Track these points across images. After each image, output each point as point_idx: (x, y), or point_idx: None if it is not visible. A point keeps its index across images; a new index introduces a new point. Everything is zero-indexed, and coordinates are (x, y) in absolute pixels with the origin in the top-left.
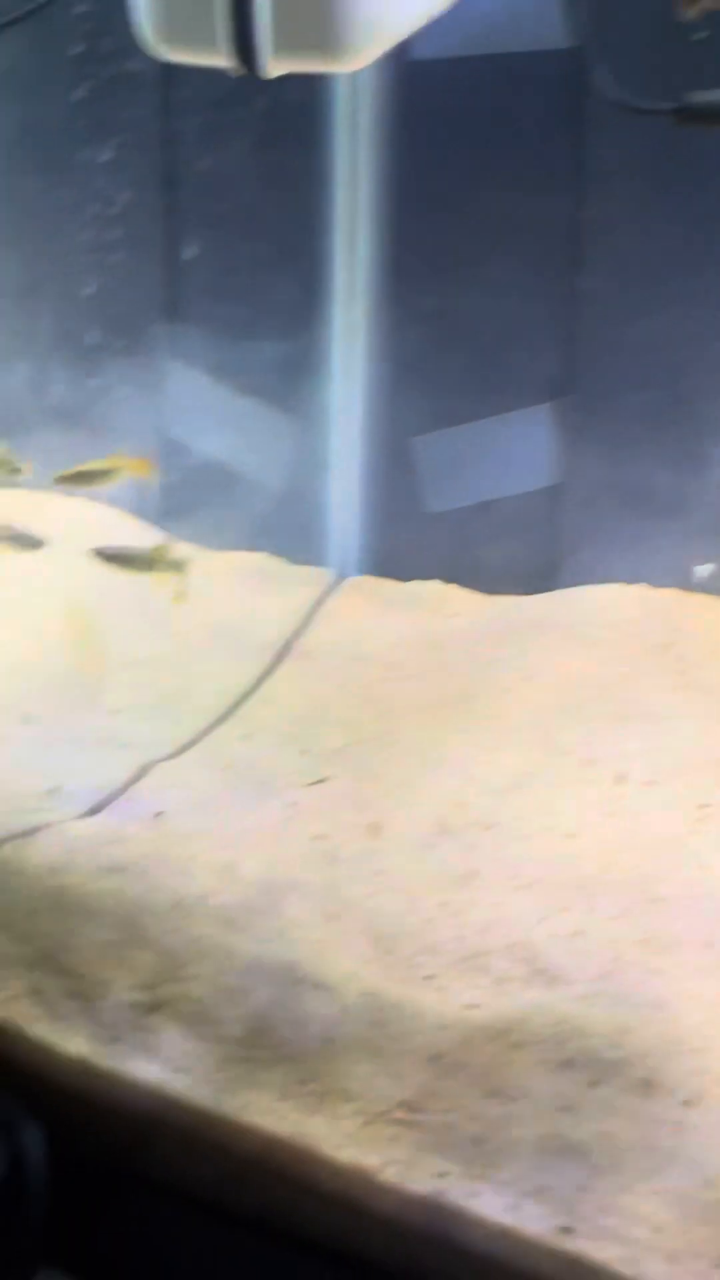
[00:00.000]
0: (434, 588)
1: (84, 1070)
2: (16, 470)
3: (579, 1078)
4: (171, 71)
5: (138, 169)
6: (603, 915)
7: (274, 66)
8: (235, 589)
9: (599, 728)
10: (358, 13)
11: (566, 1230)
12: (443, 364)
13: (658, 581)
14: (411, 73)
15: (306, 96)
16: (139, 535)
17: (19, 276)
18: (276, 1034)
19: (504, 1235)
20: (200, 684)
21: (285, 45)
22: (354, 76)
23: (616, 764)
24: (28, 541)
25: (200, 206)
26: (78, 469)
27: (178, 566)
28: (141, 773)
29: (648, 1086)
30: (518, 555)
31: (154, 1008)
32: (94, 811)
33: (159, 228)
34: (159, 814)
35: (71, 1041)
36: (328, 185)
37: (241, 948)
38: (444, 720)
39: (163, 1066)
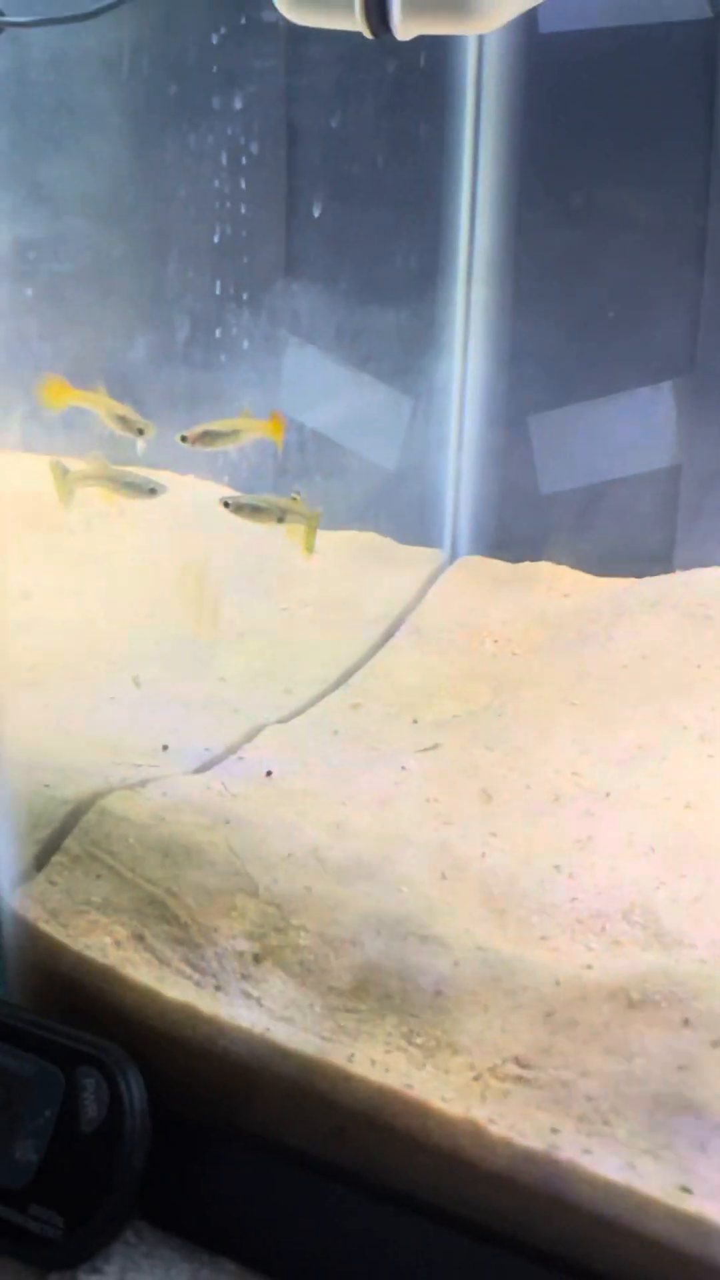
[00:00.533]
0: (546, 568)
1: (187, 1017)
2: (141, 431)
3: (699, 1038)
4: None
5: (266, 121)
6: None
7: (406, 28)
8: (345, 566)
9: (719, 705)
10: None
11: (685, 1190)
12: (562, 341)
13: None
14: (540, 45)
15: (435, 64)
16: None
17: (148, 221)
18: (385, 986)
19: (619, 1193)
20: (310, 655)
21: (417, 5)
22: (481, 47)
23: None
24: (143, 488)
25: (325, 165)
26: (204, 427)
27: (310, 519)
28: (251, 735)
29: None
30: (633, 537)
31: (260, 957)
32: (203, 769)
33: (283, 183)
34: (269, 773)
35: (175, 988)
36: (452, 154)
37: (351, 901)
38: (558, 695)
39: (267, 1015)
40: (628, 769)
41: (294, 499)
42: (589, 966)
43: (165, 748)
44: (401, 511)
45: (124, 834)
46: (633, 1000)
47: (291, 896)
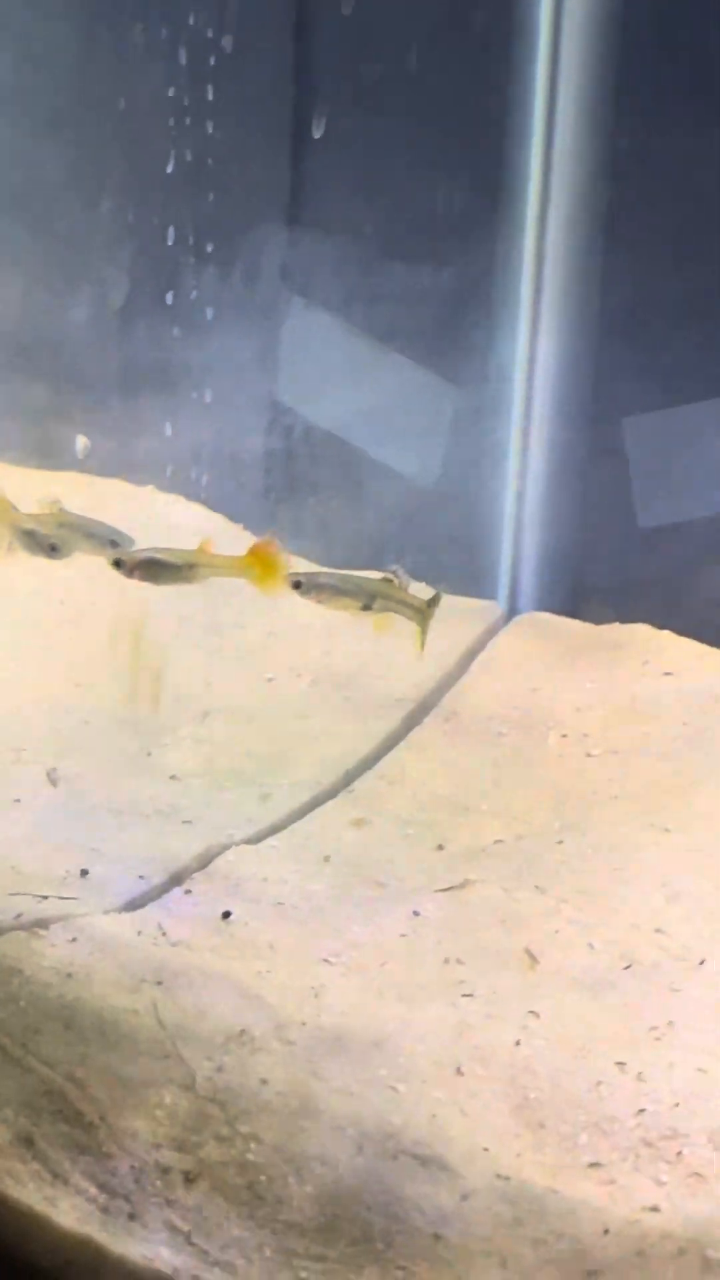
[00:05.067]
0: (641, 633)
1: (86, 1255)
2: (53, 547)
3: None
4: None
5: (250, 7)
6: None
7: None
8: (357, 623)
9: None
10: None
11: None
12: (673, 313)
13: None
14: None
15: None
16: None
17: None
18: (365, 1224)
19: None
20: (300, 747)
21: None
22: None
23: None
24: (40, 544)
25: (337, 65)
26: (150, 554)
27: (419, 610)
28: (207, 858)
29: None
30: None
31: (193, 1176)
32: (134, 905)
33: (285, 91)
34: (226, 915)
35: (72, 1213)
36: (522, 47)
37: (325, 1102)
38: (646, 817)
39: (198, 1258)
40: None
41: (390, 578)
42: (654, 1208)
43: (84, 873)
44: (439, 546)
45: (14, 994)
46: (709, 1261)
47: (242, 1092)
